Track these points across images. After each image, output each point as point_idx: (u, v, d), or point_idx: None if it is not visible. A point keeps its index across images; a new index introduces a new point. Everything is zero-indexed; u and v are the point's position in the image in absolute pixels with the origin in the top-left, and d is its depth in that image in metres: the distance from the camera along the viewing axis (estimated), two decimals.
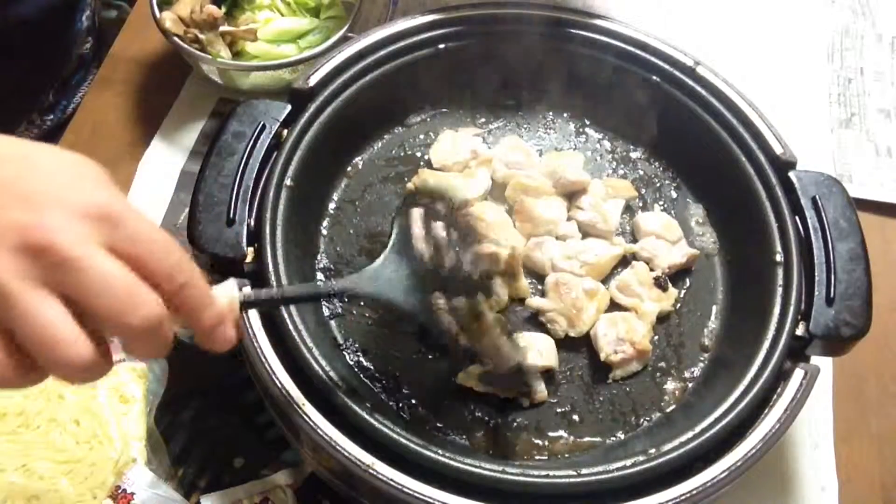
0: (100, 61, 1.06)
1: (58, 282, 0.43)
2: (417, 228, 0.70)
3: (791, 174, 0.81)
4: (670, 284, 0.82)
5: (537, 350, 0.75)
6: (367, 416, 0.65)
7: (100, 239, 0.45)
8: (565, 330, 0.78)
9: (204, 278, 0.49)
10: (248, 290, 0.60)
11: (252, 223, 0.74)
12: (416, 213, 0.71)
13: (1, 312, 0.43)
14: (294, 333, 0.68)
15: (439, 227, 0.71)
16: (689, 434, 0.68)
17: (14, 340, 0.43)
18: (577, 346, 0.78)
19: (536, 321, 0.79)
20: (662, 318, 0.81)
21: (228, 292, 0.54)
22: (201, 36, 0.93)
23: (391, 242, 0.70)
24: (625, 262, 0.84)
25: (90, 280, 0.43)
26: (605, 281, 0.82)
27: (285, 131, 0.79)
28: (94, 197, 0.46)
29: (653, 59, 0.88)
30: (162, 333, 0.46)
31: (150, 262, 0.46)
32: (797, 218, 0.79)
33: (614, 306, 0.80)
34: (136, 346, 0.46)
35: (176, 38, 0.92)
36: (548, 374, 0.76)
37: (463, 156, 0.87)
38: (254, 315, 0.69)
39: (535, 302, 0.79)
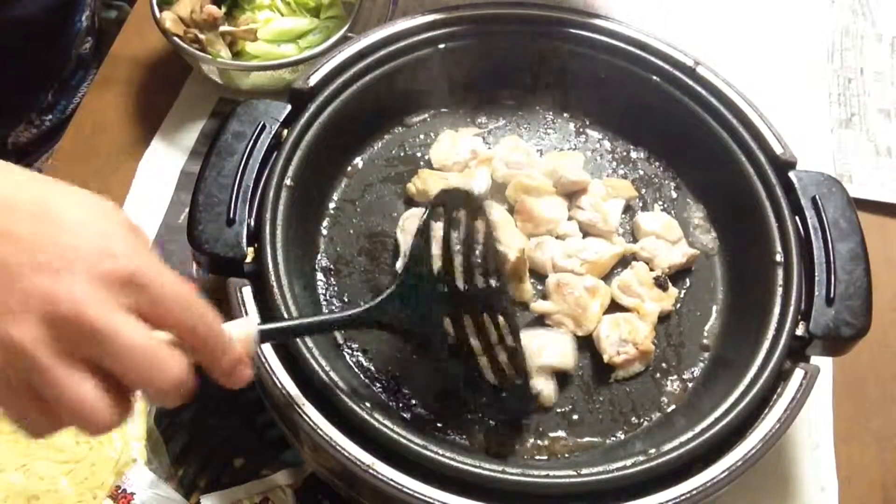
0: (100, 61, 1.06)
1: (84, 350, 0.45)
2: (436, 248, 0.67)
3: (791, 174, 0.81)
4: (670, 284, 0.82)
5: (556, 351, 0.75)
6: (367, 416, 0.65)
7: (125, 302, 0.46)
8: (573, 330, 0.78)
9: (220, 322, 0.52)
10: (263, 325, 0.61)
11: (252, 223, 0.74)
12: (438, 229, 0.68)
13: (33, 381, 0.44)
14: None
15: (457, 240, 0.68)
16: (689, 434, 0.68)
17: (42, 400, 0.45)
18: (578, 346, 0.78)
19: (540, 324, 0.79)
20: (662, 318, 0.81)
21: (244, 329, 0.56)
22: (201, 36, 0.93)
23: (405, 264, 0.68)
24: (625, 262, 0.84)
25: (117, 351, 0.45)
26: (605, 281, 0.81)
27: (285, 131, 0.79)
28: (120, 261, 0.46)
29: (653, 59, 0.88)
30: (185, 388, 0.49)
31: (173, 318, 0.48)
32: (797, 218, 0.79)
33: (616, 307, 0.80)
34: (160, 402, 0.50)
35: (176, 38, 0.92)
36: (563, 376, 0.76)
37: (463, 156, 0.87)
38: (253, 314, 0.70)
39: (539, 306, 0.79)
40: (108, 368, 0.46)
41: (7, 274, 0.44)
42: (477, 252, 0.69)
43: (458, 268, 0.67)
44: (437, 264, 0.67)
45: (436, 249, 0.67)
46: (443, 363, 0.69)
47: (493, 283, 0.69)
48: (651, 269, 0.82)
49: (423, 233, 0.67)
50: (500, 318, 0.69)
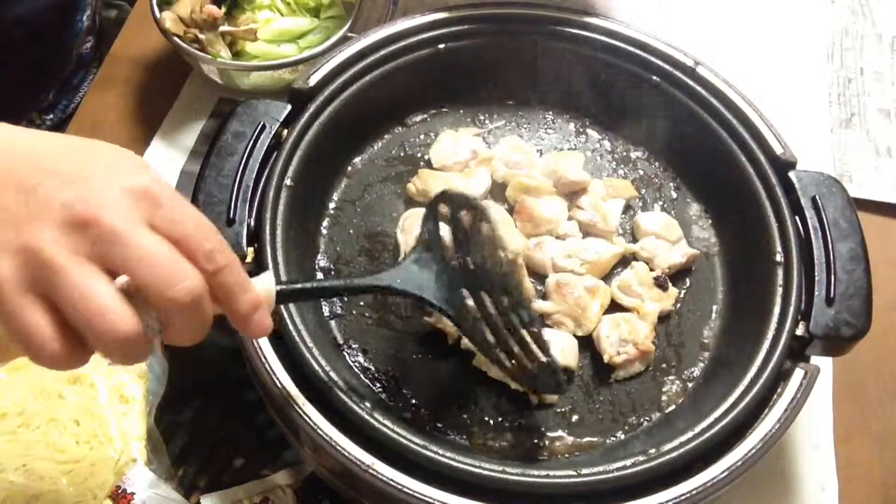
0: (100, 61, 1.06)
1: (104, 255, 0.45)
2: (445, 230, 0.69)
3: (791, 174, 0.81)
4: (670, 284, 0.82)
5: (559, 348, 0.75)
6: (367, 416, 0.65)
7: (143, 216, 0.47)
8: (573, 330, 0.78)
9: (241, 266, 0.51)
10: (282, 285, 0.61)
11: (252, 223, 0.74)
12: (443, 212, 0.69)
13: (50, 287, 0.44)
14: (294, 333, 0.68)
15: (463, 226, 0.69)
16: (689, 434, 0.68)
17: (62, 318, 0.45)
18: (579, 346, 0.78)
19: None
20: (663, 318, 0.81)
21: (265, 283, 0.55)
22: (201, 36, 0.93)
23: (420, 240, 0.69)
24: (625, 262, 0.84)
25: (135, 252, 0.45)
26: (605, 281, 0.81)
27: (285, 131, 0.79)
28: (139, 178, 0.48)
29: (653, 59, 0.88)
30: (203, 310, 0.47)
31: (191, 242, 0.48)
32: (797, 218, 0.79)
33: (616, 307, 0.80)
34: (177, 324, 0.48)
35: (176, 38, 0.92)
36: (565, 374, 0.76)
37: (463, 156, 0.87)
38: (270, 273, 0.70)
39: (539, 306, 0.79)
40: (126, 275, 0.46)
41: (34, 194, 0.46)
42: (482, 253, 0.69)
43: (467, 251, 0.68)
44: (447, 244, 0.68)
45: (444, 234, 0.68)
46: (468, 333, 0.69)
47: (500, 269, 0.69)
48: (651, 269, 0.82)
49: (431, 215, 0.68)
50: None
